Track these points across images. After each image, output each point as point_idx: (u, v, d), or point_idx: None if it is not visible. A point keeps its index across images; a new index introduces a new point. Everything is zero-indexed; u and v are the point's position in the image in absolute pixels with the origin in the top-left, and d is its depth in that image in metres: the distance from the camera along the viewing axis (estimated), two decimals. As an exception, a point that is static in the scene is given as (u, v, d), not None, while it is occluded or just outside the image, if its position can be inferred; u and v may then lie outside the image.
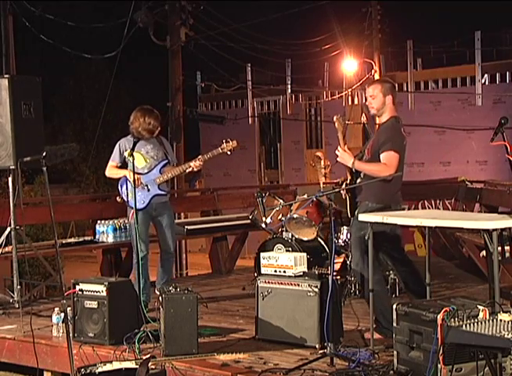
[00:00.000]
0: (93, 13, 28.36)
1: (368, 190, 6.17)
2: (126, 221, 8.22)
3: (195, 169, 7.44)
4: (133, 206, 7.08)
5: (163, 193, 7.47)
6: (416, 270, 6.27)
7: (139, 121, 7.34)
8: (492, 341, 4.14)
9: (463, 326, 4.34)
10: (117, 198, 7.62)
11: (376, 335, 5.96)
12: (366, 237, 5.93)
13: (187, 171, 7.49)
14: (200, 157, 7.40)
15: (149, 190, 7.38)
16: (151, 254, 7.54)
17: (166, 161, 7.47)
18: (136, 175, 7.25)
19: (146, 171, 7.41)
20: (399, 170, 6.09)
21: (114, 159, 7.48)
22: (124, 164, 7.45)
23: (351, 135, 22.67)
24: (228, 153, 7.39)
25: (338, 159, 6.26)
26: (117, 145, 7.48)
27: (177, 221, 9.88)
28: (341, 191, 6.37)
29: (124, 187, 7.40)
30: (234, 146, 7.39)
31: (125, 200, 7.43)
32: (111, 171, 7.53)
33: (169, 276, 7.68)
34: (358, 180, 6.24)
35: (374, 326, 6.01)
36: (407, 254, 6.58)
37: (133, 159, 6.94)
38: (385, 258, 6.53)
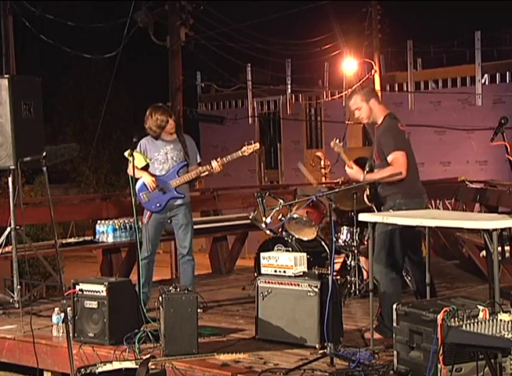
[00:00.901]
0: (93, 13, 28.35)
1: (389, 191, 6.18)
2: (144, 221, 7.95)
3: (214, 172, 7.29)
4: (149, 208, 7.26)
5: (180, 195, 7.35)
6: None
7: (150, 120, 7.31)
8: (492, 341, 4.13)
9: (463, 326, 4.34)
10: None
11: (376, 335, 5.95)
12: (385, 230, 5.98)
13: (205, 174, 7.37)
14: (218, 159, 7.24)
15: (165, 193, 7.33)
16: (162, 254, 7.47)
17: (184, 164, 7.38)
18: (152, 178, 7.27)
19: (163, 173, 7.35)
20: (411, 164, 6.11)
21: (147, 160, 7.40)
22: (145, 165, 7.39)
23: (351, 136, 22.72)
24: (249, 155, 7.24)
25: (350, 175, 6.34)
26: (138, 145, 7.39)
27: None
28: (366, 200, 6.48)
29: (140, 189, 7.34)
30: (256, 149, 7.22)
31: (142, 202, 7.38)
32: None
33: (189, 284, 7.12)
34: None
35: (375, 325, 6.02)
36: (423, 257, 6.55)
37: (133, 159, 6.94)
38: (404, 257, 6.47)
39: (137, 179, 7.40)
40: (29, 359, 6.41)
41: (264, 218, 8.14)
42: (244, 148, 7.25)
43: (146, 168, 7.36)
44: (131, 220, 8.97)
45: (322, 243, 8.13)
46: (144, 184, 7.34)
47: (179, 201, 7.39)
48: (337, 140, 6.36)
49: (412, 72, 22.79)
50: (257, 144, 7.26)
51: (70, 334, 5.33)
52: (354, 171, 6.25)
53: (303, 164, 6.43)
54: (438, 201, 12.11)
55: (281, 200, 8.17)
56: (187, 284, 6.98)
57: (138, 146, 7.36)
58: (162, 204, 7.34)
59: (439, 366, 4.57)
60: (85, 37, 24.69)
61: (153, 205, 7.33)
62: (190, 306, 5.83)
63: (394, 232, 6.04)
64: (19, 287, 7.69)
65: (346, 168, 6.30)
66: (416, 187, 6.22)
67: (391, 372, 5.17)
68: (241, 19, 20.19)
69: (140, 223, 7.33)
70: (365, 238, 7.81)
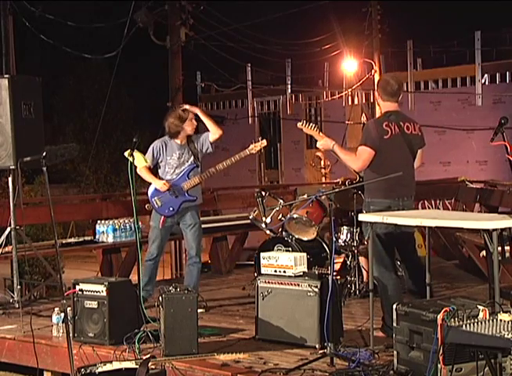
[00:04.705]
0: (93, 13, 28.33)
1: (365, 188, 6.30)
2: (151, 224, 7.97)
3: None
4: (163, 213, 7.32)
5: (192, 198, 7.41)
6: (421, 272, 6.27)
7: (171, 115, 7.46)
8: (492, 341, 4.14)
9: (463, 326, 4.34)
10: (146, 206, 7.54)
11: (377, 335, 5.96)
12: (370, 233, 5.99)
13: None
14: (227, 161, 7.34)
15: (177, 197, 7.36)
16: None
17: (194, 166, 7.43)
18: (163, 181, 7.32)
19: (174, 177, 7.39)
20: (384, 164, 6.06)
21: (147, 160, 7.42)
22: (155, 167, 7.41)
23: (351, 135, 22.67)
24: (256, 152, 7.33)
25: (319, 146, 6.37)
26: (151, 147, 7.44)
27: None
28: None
29: (152, 194, 7.38)
30: (263, 146, 7.30)
31: (155, 207, 7.40)
32: (143, 172, 7.41)
33: (193, 285, 7.20)
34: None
35: (380, 326, 6.10)
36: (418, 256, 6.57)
37: (133, 159, 6.95)
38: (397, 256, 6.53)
39: (148, 183, 7.45)
40: (29, 359, 6.41)
41: (264, 218, 8.14)
42: (252, 146, 7.34)
43: (151, 170, 7.39)
44: (131, 220, 8.97)
45: (322, 243, 8.13)
46: (156, 189, 7.36)
47: (192, 204, 7.44)
48: (303, 122, 6.38)
49: (412, 72, 22.78)
50: (264, 141, 7.33)
51: (70, 334, 5.34)
52: (324, 142, 6.27)
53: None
54: (438, 201, 12.11)
55: (281, 200, 8.17)
56: (190, 286, 6.95)
57: (150, 149, 7.41)
58: (175, 208, 7.37)
59: (439, 366, 4.57)
60: (86, 37, 24.71)
61: (166, 209, 7.36)
62: (190, 306, 5.83)
63: (380, 235, 6.12)
64: (19, 287, 7.70)
65: (318, 143, 6.32)
66: (384, 188, 6.08)
67: (391, 372, 5.17)
68: (241, 19, 20.18)
69: (141, 223, 7.34)
70: (366, 238, 7.80)
